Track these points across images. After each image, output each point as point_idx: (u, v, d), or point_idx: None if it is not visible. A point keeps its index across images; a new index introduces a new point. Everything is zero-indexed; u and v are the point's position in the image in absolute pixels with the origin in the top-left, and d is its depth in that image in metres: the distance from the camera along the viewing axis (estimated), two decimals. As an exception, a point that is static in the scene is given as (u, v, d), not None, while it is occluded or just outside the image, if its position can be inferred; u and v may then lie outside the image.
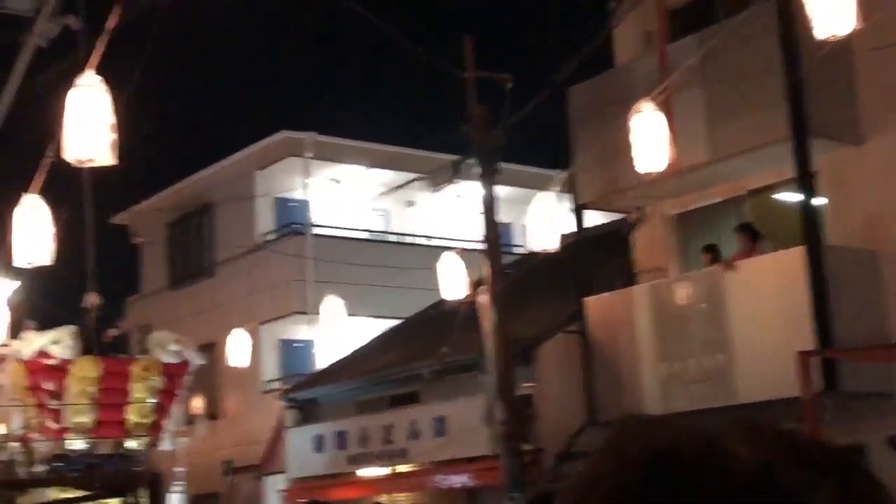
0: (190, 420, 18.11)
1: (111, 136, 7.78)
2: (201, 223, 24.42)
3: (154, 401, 15.94)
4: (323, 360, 21.04)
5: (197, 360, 16.82)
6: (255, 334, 21.46)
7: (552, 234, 12.27)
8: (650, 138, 9.68)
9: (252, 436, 20.87)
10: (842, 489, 0.81)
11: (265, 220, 23.04)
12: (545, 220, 12.17)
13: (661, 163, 9.56)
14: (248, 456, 20.68)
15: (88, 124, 7.78)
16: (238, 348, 18.39)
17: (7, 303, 12.71)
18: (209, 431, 23.16)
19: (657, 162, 9.57)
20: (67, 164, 9.03)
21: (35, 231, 9.98)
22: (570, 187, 15.06)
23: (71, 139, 7.86)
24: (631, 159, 10.49)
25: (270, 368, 22.38)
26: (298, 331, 22.14)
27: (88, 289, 9.55)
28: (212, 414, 23.12)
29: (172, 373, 16.43)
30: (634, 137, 9.70)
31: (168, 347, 16.08)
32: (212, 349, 21.91)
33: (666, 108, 10.38)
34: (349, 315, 20.99)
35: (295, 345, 22.55)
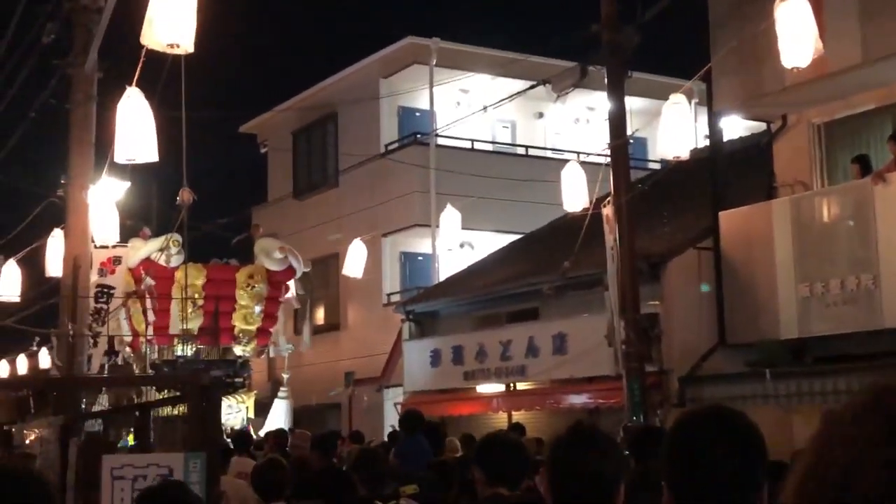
0: (297, 328, 17.89)
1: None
2: (325, 132, 24.06)
3: (259, 307, 15.78)
4: (444, 273, 20.60)
5: (302, 267, 16.55)
6: (377, 246, 21.13)
7: (684, 140, 11.31)
8: (796, 30, 8.66)
9: (373, 348, 20.63)
10: None
11: (389, 130, 22.52)
12: (677, 125, 11.21)
13: (808, 56, 8.53)
14: (369, 368, 20.48)
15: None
16: (355, 259, 18.00)
17: (116, 204, 12.45)
18: (331, 342, 23.12)
19: (803, 55, 8.55)
20: (168, 56, 8.57)
21: (137, 126, 9.61)
22: (707, 95, 14.05)
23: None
24: (773, 63, 9.51)
25: (392, 281, 22.04)
26: (421, 244, 21.69)
27: (183, 185, 9.11)
28: (334, 325, 23.03)
29: (277, 280, 16.22)
30: (779, 28, 8.68)
31: (273, 255, 15.83)
32: (335, 260, 21.69)
33: (815, 1, 9.29)
34: (473, 229, 20.47)
35: (417, 258, 22.13)
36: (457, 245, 19.33)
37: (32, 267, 15.37)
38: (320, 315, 23.73)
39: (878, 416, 0.89)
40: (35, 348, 17.23)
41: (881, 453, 0.85)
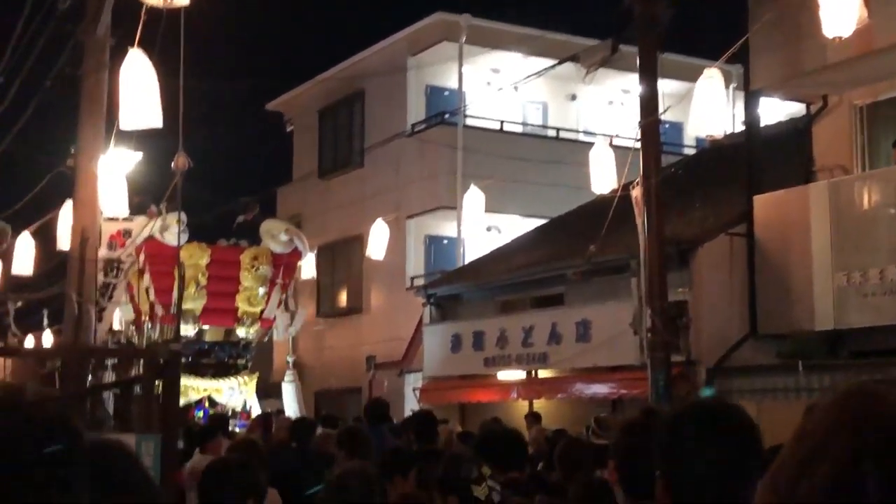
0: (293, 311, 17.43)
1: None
2: (352, 111, 23.56)
3: (263, 290, 15.43)
4: (470, 258, 20.09)
5: (307, 250, 16.19)
6: (401, 228, 20.64)
7: (718, 118, 10.70)
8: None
9: (396, 332, 20.17)
10: None
11: (417, 110, 21.96)
12: (711, 102, 10.60)
13: (851, 25, 7.92)
14: (391, 352, 20.03)
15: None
16: (378, 241, 17.52)
17: (128, 178, 12.03)
18: (353, 326, 22.69)
19: (846, 23, 7.94)
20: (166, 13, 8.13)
21: (141, 90, 9.18)
22: (744, 74, 13.46)
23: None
24: (815, 40, 8.94)
25: (416, 265, 21.54)
26: (446, 227, 21.14)
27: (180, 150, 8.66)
28: (356, 308, 22.59)
29: (282, 262, 15.86)
30: (821, -3, 8.07)
31: (278, 237, 15.45)
32: (359, 242, 21.22)
33: (860, -32, 8.66)
34: (501, 213, 19.93)
35: (442, 241, 21.61)
36: (481, 228, 18.79)
37: (46, 241, 15.07)
38: (343, 298, 23.30)
39: (841, 411, 0.89)
40: (46, 323, 16.91)
41: (833, 446, 0.85)
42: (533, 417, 12.60)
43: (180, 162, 8.44)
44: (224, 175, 28.10)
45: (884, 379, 1.00)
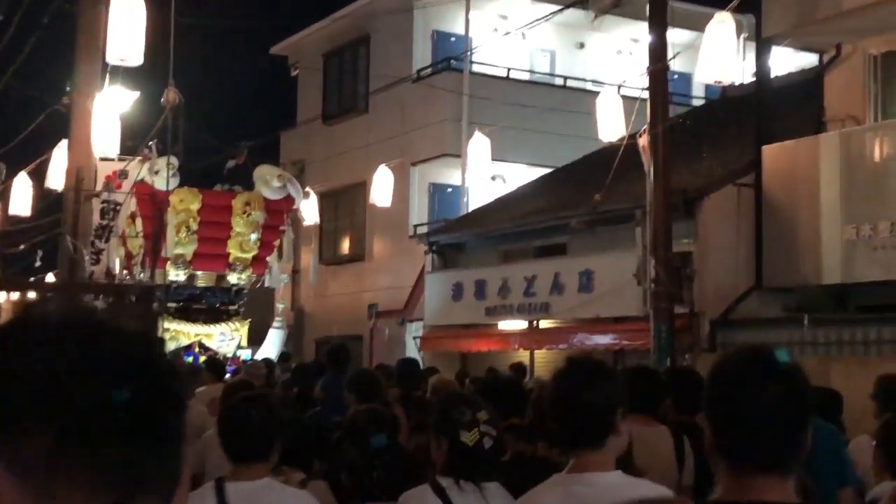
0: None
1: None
2: (357, 55, 23.18)
3: (255, 235, 15.23)
4: (474, 207, 19.82)
5: (301, 196, 15.96)
6: (405, 176, 20.35)
7: (727, 64, 10.38)
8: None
9: (398, 280, 19.98)
10: None
11: (423, 55, 21.58)
12: (721, 47, 10.28)
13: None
14: (393, 300, 19.84)
15: None
16: (382, 187, 17.25)
17: (119, 115, 11.77)
18: (355, 273, 22.51)
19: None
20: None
21: (128, 24, 8.91)
22: (755, 20, 13.11)
23: None
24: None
25: (420, 213, 21.28)
26: (451, 175, 20.86)
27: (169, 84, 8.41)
28: (359, 256, 22.40)
29: (275, 208, 15.65)
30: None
31: (271, 183, 15.23)
32: (362, 189, 20.95)
33: None
34: (506, 161, 19.62)
35: (447, 189, 21.34)
36: (486, 176, 18.49)
37: (42, 181, 14.86)
38: (345, 245, 23.10)
39: None
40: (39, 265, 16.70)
41: None
42: (518, 370, 12.46)
43: (170, 96, 8.19)
44: (227, 120, 27.76)
45: None
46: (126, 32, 8.76)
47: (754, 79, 14.34)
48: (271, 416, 3.53)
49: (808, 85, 13.62)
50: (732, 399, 2.05)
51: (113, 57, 8.81)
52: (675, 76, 22.18)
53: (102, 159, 12.80)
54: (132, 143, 12.77)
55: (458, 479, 3.38)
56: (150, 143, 11.73)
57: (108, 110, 11.77)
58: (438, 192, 21.51)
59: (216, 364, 10.29)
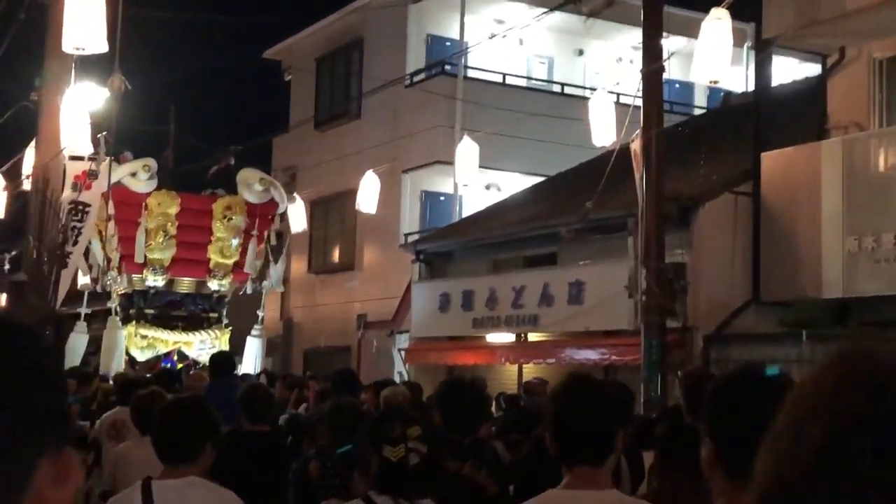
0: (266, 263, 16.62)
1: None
2: (350, 60, 22.68)
3: (237, 241, 14.74)
4: (466, 215, 19.29)
5: (285, 201, 15.47)
6: (396, 183, 19.82)
7: (723, 63, 9.84)
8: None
9: (388, 290, 19.42)
10: None
11: (416, 60, 21.06)
12: (717, 44, 9.75)
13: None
14: (383, 311, 19.30)
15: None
16: (368, 193, 16.69)
17: (90, 114, 11.24)
18: (345, 283, 21.94)
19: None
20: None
21: (86, 9, 8.39)
22: (756, 22, 12.61)
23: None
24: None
25: (412, 221, 20.72)
26: (444, 183, 20.30)
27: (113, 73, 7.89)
28: (348, 265, 21.84)
29: (257, 213, 15.16)
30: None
31: (253, 186, 14.73)
32: (353, 196, 20.39)
33: None
34: (501, 170, 19.08)
35: (439, 197, 20.78)
36: (477, 183, 17.94)
37: (15, 180, 14.40)
38: (335, 254, 22.55)
39: (836, 374, 0.80)
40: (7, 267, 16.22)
41: (825, 411, 0.78)
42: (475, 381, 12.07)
43: (115, 83, 7.65)
44: (220, 125, 27.29)
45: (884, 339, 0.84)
46: (83, 19, 8.23)
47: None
48: (202, 419, 3.69)
49: (810, 92, 13.14)
50: (738, 418, 2.03)
51: (69, 45, 8.28)
52: (677, 85, 21.74)
53: (72, 158, 12.29)
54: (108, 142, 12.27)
55: (394, 497, 3.35)
56: (100, 135, 11.18)
57: (78, 106, 11.26)
58: (431, 200, 20.97)
59: (164, 376, 9.73)
